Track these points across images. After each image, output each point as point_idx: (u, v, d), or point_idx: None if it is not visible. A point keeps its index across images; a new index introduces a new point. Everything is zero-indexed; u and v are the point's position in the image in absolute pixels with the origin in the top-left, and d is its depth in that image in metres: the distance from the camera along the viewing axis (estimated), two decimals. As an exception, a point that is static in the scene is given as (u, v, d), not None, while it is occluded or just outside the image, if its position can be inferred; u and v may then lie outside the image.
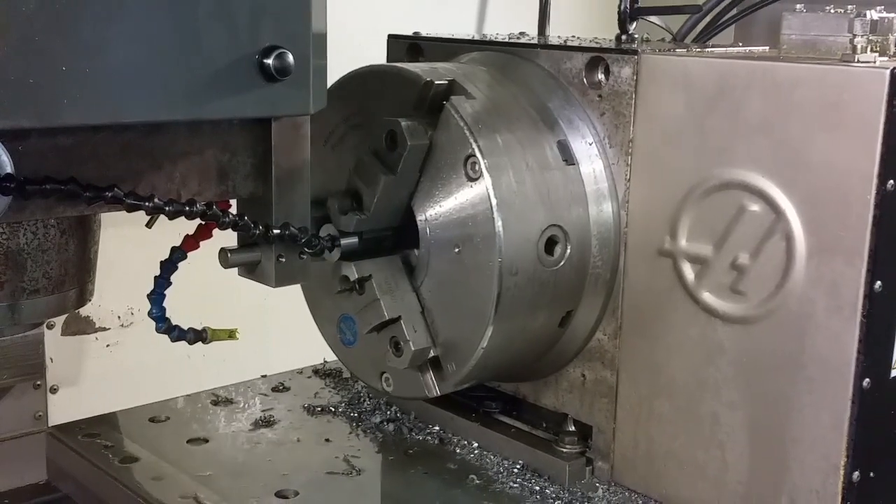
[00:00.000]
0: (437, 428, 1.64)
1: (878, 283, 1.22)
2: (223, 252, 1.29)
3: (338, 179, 1.46)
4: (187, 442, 1.57)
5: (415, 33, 1.74)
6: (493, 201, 1.34)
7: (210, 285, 1.77)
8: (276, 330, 2.21)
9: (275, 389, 1.78)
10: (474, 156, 1.35)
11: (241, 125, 1.22)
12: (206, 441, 1.57)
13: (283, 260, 1.29)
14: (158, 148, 1.16)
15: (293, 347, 1.86)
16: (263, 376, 1.83)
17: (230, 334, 1.39)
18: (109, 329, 2.16)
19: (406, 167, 1.39)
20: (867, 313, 1.22)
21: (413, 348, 1.40)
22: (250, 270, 1.32)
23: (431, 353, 1.42)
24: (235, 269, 1.32)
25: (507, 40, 1.64)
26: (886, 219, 1.20)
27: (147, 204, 1.13)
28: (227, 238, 1.30)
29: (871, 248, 1.20)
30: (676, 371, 1.40)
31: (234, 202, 1.29)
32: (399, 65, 1.50)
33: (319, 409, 1.70)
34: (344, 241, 1.41)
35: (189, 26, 1.08)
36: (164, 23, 1.06)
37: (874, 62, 1.24)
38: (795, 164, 1.26)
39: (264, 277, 1.31)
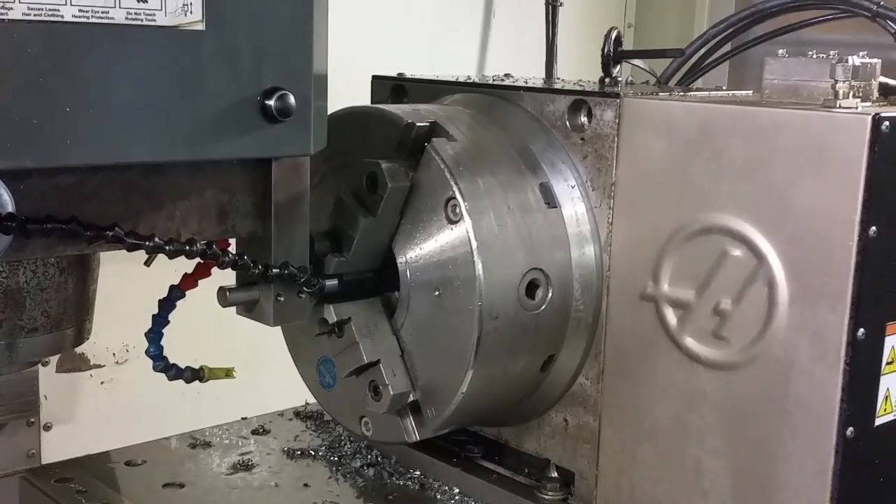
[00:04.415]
0: (418, 473, 1.61)
1: (861, 330, 1.21)
2: (222, 291, 1.29)
3: (318, 220, 1.45)
4: (163, 486, 1.53)
5: (399, 74, 1.73)
6: (474, 244, 1.33)
7: (207, 323, 1.75)
8: (272, 368, 2.18)
9: (254, 432, 1.75)
10: (455, 198, 1.34)
11: (242, 165, 1.22)
12: (182, 486, 1.54)
13: (282, 299, 1.29)
14: (159, 188, 1.17)
15: (289, 385, 1.84)
16: (243, 419, 1.80)
17: (227, 373, 1.39)
18: (104, 366, 2.14)
19: (386, 209, 1.38)
20: (850, 361, 1.21)
21: (392, 393, 1.38)
22: (248, 309, 1.31)
23: (411, 398, 1.40)
24: (233, 308, 1.32)
25: (490, 82, 1.63)
26: (869, 265, 1.19)
27: (147, 243, 1.13)
28: (224, 275, 1.29)
29: (854, 295, 1.19)
30: (659, 417, 1.38)
31: (233, 241, 1.29)
32: (381, 106, 1.50)
33: (299, 452, 1.67)
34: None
35: (191, 68, 1.09)
36: (167, 64, 1.07)
37: (856, 108, 1.24)
38: (778, 209, 1.25)
39: (262, 316, 1.30)
